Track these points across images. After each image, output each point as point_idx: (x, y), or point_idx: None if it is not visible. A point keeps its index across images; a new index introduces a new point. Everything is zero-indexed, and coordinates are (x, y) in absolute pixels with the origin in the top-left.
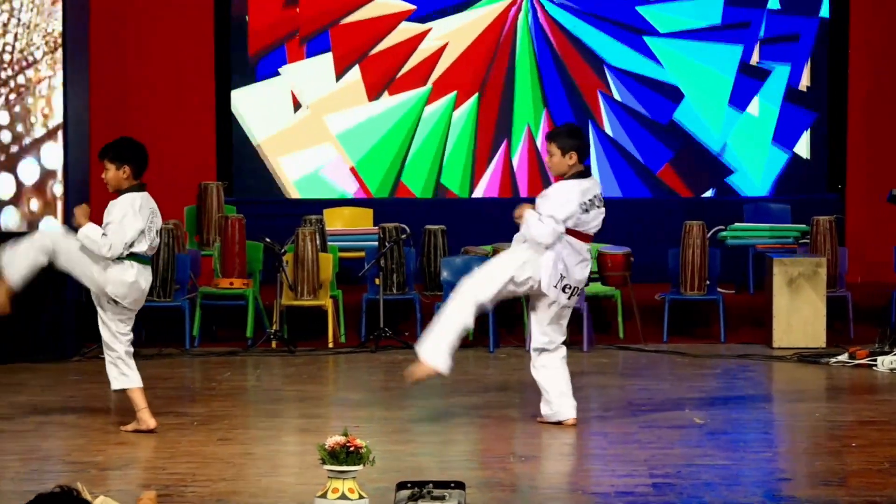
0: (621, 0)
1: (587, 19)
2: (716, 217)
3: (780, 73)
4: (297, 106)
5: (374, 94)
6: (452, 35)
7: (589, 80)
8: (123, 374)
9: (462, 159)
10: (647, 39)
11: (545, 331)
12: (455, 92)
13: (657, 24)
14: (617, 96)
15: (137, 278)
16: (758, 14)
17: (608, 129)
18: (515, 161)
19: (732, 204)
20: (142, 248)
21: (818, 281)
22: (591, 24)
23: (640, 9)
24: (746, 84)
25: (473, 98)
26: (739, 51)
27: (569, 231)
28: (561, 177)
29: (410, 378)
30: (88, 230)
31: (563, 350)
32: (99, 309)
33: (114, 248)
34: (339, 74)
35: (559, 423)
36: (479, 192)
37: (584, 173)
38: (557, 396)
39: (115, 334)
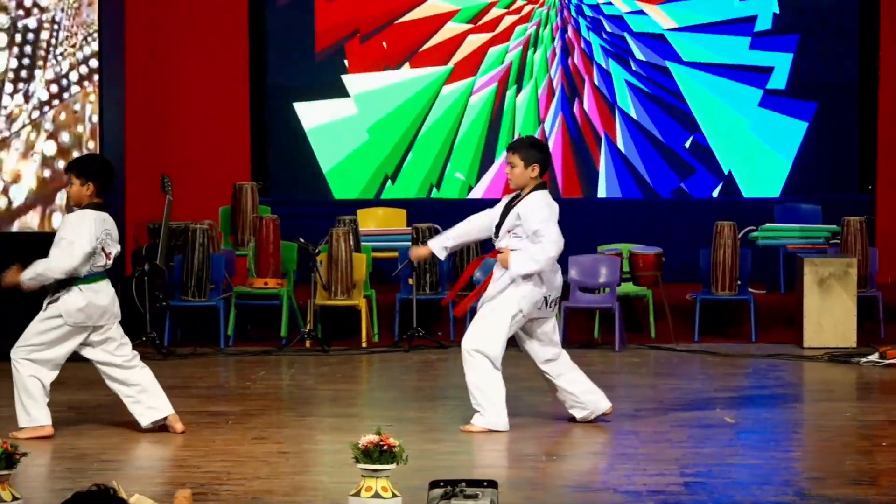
0: (651, 21)
1: (612, 37)
2: (747, 217)
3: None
4: (320, 48)
5: (396, 62)
6: (479, 20)
7: (607, 93)
8: (151, 407)
9: (473, 145)
10: (671, 65)
11: (546, 343)
12: (474, 78)
13: (682, 53)
14: (633, 114)
15: (89, 299)
16: (779, 58)
17: (620, 145)
18: None
19: (763, 204)
20: (83, 270)
21: (849, 281)
22: (617, 39)
23: (669, 34)
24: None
25: (492, 87)
26: (759, 95)
27: None
28: (519, 189)
29: (466, 430)
30: (31, 271)
31: (564, 351)
32: (89, 354)
33: (62, 265)
34: (364, 37)
35: (602, 416)
36: (485, 182)
37: (546, 186)
38: (585, 394)
39: (120, 363)
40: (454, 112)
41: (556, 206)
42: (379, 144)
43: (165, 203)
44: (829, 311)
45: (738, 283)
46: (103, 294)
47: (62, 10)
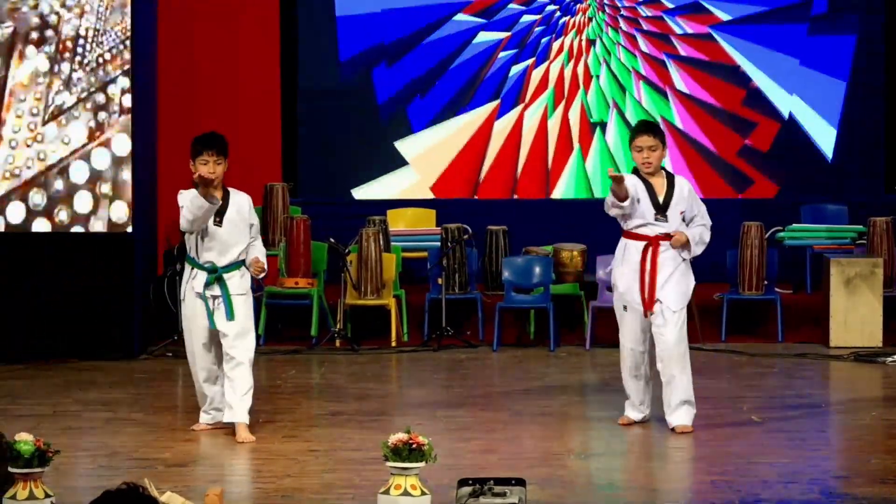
0: (660, 69)
1: (619, 67)
2: (774, 218)
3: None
4: None
5: None
6: None
7: (595, 113)
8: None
9: (473, 81)
10: (667, 116)
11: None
12: (487, 34)
13: (679, 113)
14: (609, 140)
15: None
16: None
17: (589, 163)
18: (525, 128)
19: (790, 205)
20: None
21: (875, 281)
22: (624, 71)
23: (672, 92)
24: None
25: (502, 53)
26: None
27: None
28: (654, 172)
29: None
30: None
31: None
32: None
33: None
34: None
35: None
36: (472, 118)
37: None
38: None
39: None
40: (463, 50)
41: None
42: (400, 63)
43: None
44: (855, 311)
45: (765, 283)
46: None
47: (94, 16)
